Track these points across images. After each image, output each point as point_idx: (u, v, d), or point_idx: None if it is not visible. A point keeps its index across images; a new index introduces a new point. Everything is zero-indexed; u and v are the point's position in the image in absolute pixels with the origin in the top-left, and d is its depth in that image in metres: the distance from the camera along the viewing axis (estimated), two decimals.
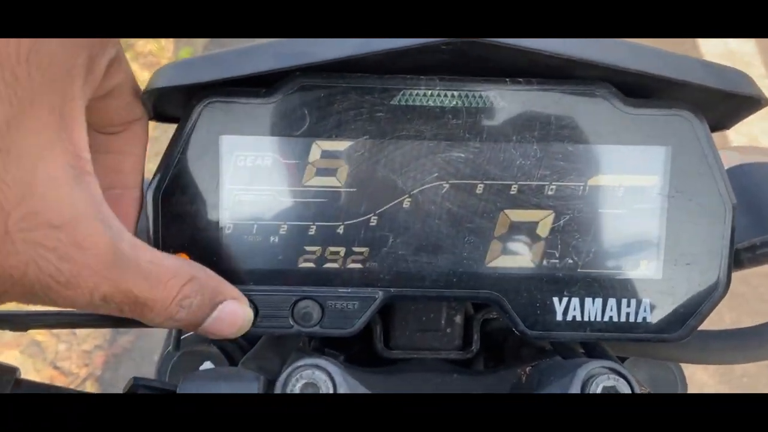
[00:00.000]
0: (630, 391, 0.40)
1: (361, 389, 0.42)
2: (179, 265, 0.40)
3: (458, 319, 0.59)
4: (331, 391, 0.40)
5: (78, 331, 2.25)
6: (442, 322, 0.59)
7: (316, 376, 0.40)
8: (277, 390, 0.40)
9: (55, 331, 2.26)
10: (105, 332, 2.25)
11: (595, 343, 0.53)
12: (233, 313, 0.44)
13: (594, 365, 0.42)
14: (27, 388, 0.38)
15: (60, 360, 2.18)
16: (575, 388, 0.41)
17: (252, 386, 0.39)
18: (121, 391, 0.43)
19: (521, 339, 0.65)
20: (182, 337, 0.59)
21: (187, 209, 0.47)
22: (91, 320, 0.54)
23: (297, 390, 0.40)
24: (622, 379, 0.41)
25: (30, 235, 0.33)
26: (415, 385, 0.56)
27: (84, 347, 2.23)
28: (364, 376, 0.47)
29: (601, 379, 0.41)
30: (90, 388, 2.12)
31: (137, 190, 0.48)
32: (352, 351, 0.68)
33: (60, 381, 2.15)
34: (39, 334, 2.18)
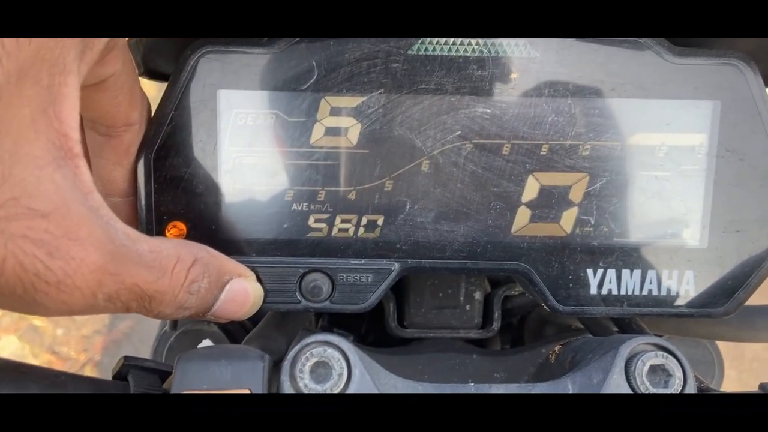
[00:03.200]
0: (681, 370, 0.36)
1: (379, 369, 0.38)
2: (179, 248, 0.36)
3: (478, 295, 0.55)
4: (345, 371, 0.36)
5: (77, 316, 2.21)
6: (461, 298, 0.54)
7: (329, 354, 0.36)
8: (285, 369, 0.36)
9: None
10: (103, 317, 2.22)
11: (630, 319, 0.49)
12: (243, 291, 0.39)
13: (638, 341, 0.37)
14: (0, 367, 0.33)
15: (58, 345, 2.14)
16: (618, 367, 0.37)
17: (257, 366, 0.35)
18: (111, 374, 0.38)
19: (543, 316, 0.60)
20: None
21: (182, 173, 0.43)
22: None
23: (307, 368, 0.36)
24: (671, 357, 0.36)
25: (9, 225, 0.27)
26: (434, 367, 0.52)
27: (83, 332, 2.20)
28: (377, 356, 0.42)
29: (647, 356, 0.36)
30: (89, 373, 2.09)
31: (134, 198, 0.43)
32: (361, 331, 0.64)
33: (58, 366, 2.11)
34: (37, 319, 2.15)
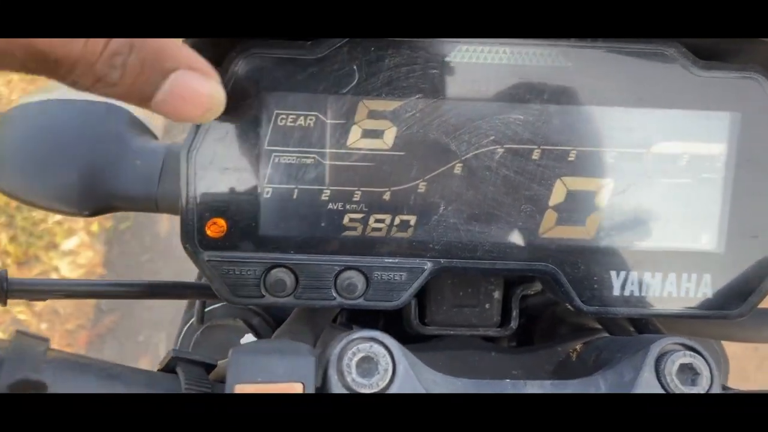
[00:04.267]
0: (708, 369, 0.38)
1: (420, 365, 0.39)
2: None
3: (497, 294, 0.56)
4: (390, 366, 0.37)
5: (61, 309, 2.20)
6: (480, 297, 0.56)
7: (375, 350, 0.37)
8: (333, 364, 0.37)
9: (37, 309, 2.21)
10: (88, 311, 2.21)
11: (647, 319, 0.51)
12: (190, 87, 0.34)
13: (668, 341, 0.39)
14: (60, 358, 0.34)
15: None
16: (649, 366, 0.38)
17: (309, 360, 0.36)
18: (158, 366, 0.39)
19: (557, 315, 0.62)
20: (206, 310, 0.56)
21: (224, 172, 0.44)
22: (109, 292, 0.51)
23: (354, 363, 0.37)
24: (699, 356, 0.38)
25: None
26: (453, 364, 0.54)
27: (67, 326, 2.18)
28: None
29: (677, 356, 0.38)
30: None
31: None
32: (378, 327, 0.65)
33: None
34: (21, 313, 2.13)
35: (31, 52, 0.29)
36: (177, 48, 0.34)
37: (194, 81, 0.34)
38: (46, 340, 0.35)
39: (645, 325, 0.51)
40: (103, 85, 0.32)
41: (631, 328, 0.52)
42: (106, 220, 2.32)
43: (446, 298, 0.56)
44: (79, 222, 2.32)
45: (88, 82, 0.32)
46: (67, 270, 2.25)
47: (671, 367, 0.38)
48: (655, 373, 0.38)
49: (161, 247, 2.24)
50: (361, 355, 0.37)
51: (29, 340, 0.34)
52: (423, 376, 0.39)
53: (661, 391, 0.38)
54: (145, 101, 0.34)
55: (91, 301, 2.14)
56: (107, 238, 2.31)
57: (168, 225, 2.27)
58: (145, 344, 2.13)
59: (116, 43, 0.31)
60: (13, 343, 0.33)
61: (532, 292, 0.59)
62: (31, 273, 2.23)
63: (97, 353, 2.13)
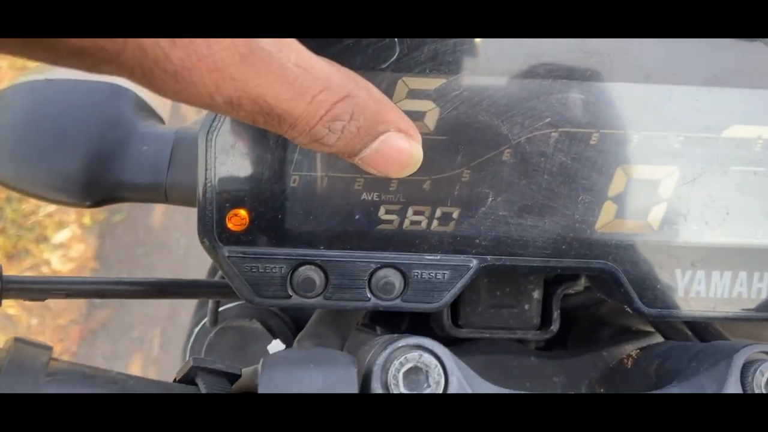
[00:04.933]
0: None
1: (474, 376, 0.35)
2: (335, 76, 0.32)
3: (536, 294, 0.52)
4: (442, 378, 0.33)
5: (52, 304, 2.14)
6: (519, 297, 0.51)
7: (425, 360, 0.33)
8: (376, 375, 0.32)
9: (27, 304, 2.14)
10: (80, 306, 2.15)
11: (707, 323, 0.47)
12: (397, 149, 0.35)
13: (753, 350, 0.35)
14: (65, 370, 0.29)
15: (33, 335, 2.07)
16: (734, 377, 0.34)
17: (350, 371, 0.31)
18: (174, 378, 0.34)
19: (598, 316, 0.58)
20: (221, 309, 0.51)
21: (247, 158, 0.39)
22: (114, 291, 0.46)
23: (401, 375, 0.32)
24: None
25: None
26: (491, 370, 0.49)
27: (59, 322, 2.12)
28: None
29: (765, 366, 0.34)
30: None
31: None
32: (401, 330, 0.61)
33: None
34: (11, 308, 2.07)
35: (259, 107, 0.30)
36: (391, 111, 0.35)
37: (400, 142, 0.35)
38: (48, 348, 0.30)
39: (705, 329, 0.46)
40: (318, 145, 0.33)
41: (689, 332, 0.47)
42: (99, 213, 2.26)
43: (482, 298, 0.51)
44: (71, 214, 2.26)
45: (305, 141, 0.32)
46: (58, 263, 2.19)
47: (760, 379, 0.34)
48: (741, 388, 0.34)
49: (156, 241, 2.18)
50: (409, 365, 0.33)
51: (29, 349, 0.29)
52: (476, 389, 0.34)
53: None
54: (350, 157, 0.35)
55: None
56: (100, 231, 2.25)
57: (162, 218, 2.22)
58: (139, 340, 2.07)
59: (339, 108, 0.32)
60: (10, 354, 0.28)
61: (573, 292, 0.55)
62: (21, 266, 2.17)
63: (90, 349, 2.08)
